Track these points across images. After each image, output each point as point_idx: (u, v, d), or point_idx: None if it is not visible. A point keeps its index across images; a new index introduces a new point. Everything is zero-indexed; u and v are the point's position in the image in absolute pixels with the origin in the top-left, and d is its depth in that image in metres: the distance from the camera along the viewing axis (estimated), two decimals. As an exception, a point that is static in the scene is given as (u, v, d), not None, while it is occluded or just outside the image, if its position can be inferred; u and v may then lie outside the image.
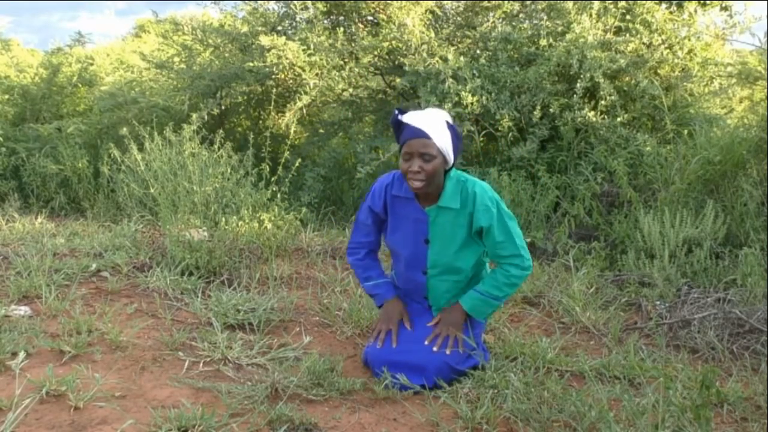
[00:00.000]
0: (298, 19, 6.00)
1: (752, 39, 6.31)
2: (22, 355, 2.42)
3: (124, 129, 4.62)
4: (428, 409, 2.17)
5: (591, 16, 5.03)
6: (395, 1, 5.29)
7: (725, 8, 5.34)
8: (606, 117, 4.84)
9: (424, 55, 5.14)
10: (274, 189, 3.98)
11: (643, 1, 5.09)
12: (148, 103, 5.88)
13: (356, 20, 5.89)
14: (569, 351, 2.71)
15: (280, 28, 6.03)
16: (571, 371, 2.46)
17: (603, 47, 4.96)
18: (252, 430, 2.03)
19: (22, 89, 6.64)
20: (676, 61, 5.16)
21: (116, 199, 5.18)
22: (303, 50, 5.25)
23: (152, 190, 3.91)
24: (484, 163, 5.04)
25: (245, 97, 6.15)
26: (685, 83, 5.23)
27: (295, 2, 5.69)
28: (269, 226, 3.89)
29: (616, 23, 5.10)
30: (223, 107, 6.17)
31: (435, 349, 2.39)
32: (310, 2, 5.53)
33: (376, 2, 5.60)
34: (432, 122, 2.30)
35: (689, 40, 5.19)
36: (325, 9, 5.59)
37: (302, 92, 5.29)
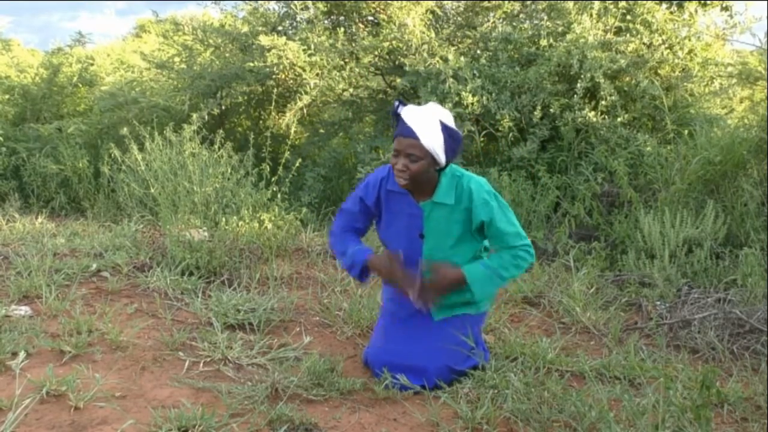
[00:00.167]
0: (298, 19, 6.00)
1: (752, 39, 6.31)
2: (22, 355, 2.42)
3: (125, 129, 4.62)
4: (428, 409, 2.17)
5: (591, 16, 5.03)
6: (396, 1, 5.29)
7: (725, 8, 5.34)
8: (606, 117, 4.84)
9: (425, 55, 5.14)
10: (274, 189, 3.98)
11: (644, 1, 5.09)
12: (149, 103, 5.88)
13: (356, 20, 5.89)
14: (569, 351, 2.70)
15: (280, 28, 6.03)
16: (571, 371, 2.46)
17: (603, 47, 4.96)
18: (252, 430, 2.03)
19: (22, 89, 6.64)
20: (676, 61, 5.16)
21: (116, 199, 5.18)
22: (303, 50, 5.25)
23: (152, 190, 3.92)
24: (484, 163, 5.03)
25: (245, 97, 6.15)
26: (685, 83, 5.23)
27: (296, 2, 5.69)
28: (269, 226, 3.89)
29: (617, 23, 5.10)
30: (223, 107, 6.17)
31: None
32: (310, 2, 5.54)
33: (377, 2, 5.60)
34: (425, 122, 2.28)
35: (689, 40, 5.19)
36: (325, 9, 5.60)
37: (302, 92, 5.30)
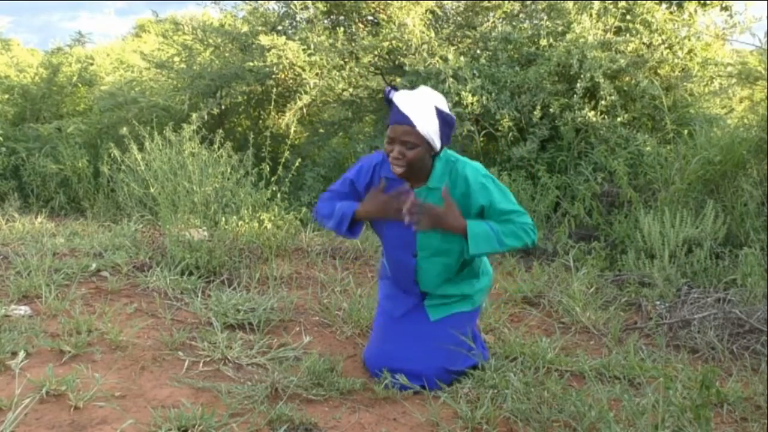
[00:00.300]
0: (298, 18, 6.00)
1: (752, 39, 6.32)
2: (22, 354, 2.42)
3: (124, 129, 4.62)
4: (428, 409, 2.17)
5: (591, 16, 5.03)
6: (395, 1, 5.30)
7: (725, 8, 5.34)
8: (606, 117, 4.84)
9: (425, 54, 5.14)
10: (274, 189, 3.98)
11: (643, 1, 5.10)
12: (148, 103, 5.88)
13: (356, 20, 5.89)
14: (569, 351, 2.70)
15: (280, 27, 6.04)
16: (571, 371, 2.46)
17: (603, 47, 4.96)
18: (252, 430, 2.03)
19: (22, 89, 6.64)
20: (676, 61, 5.17)
21: (116, 198, 5.18)
22: (303, 50, 5.25)
23: (152, 190, 3.91)
24: (484, 163, 5.02)
25: (245, 97, 6.15)
26: (685, 83, 5.23)
27: (295, 2, 5.69)
28: (269, 226, 3.89)
29: (616, 23, 5.11)
30: (223, 107, 6.17)
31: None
32: (310, 2, 5.54)
33: (377, 2, 5.60)
34: (420, 108, 2.22)
35: (689, 40, 5.19)
36: (325, 9, 5.60)
37: (302, 92, 5.30)
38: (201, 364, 2.50)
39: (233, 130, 6.31)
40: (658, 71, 5.24)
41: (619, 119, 4.78)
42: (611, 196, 4.51)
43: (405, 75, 5.15)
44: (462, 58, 4.97)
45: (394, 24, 5.19)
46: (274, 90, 5.56)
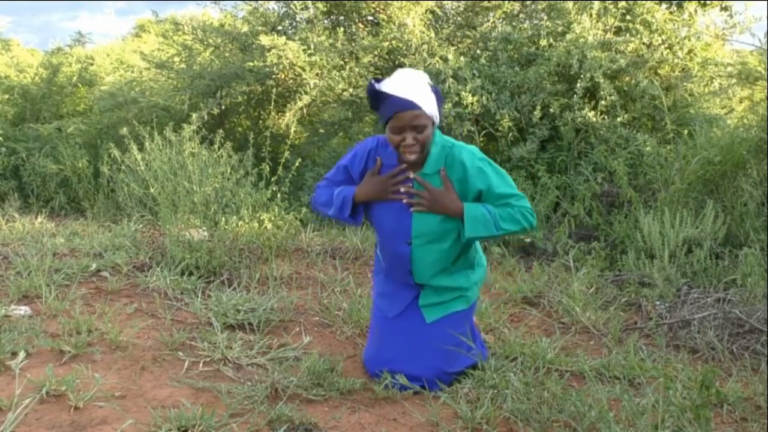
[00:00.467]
0: (298, 18, 6.00)
1: (752, 39, 6.32)
2: (22, 355, 2.42)
3: (124, 129, 4.62)
4: (428, 409, 2.17)
5: (591, 16, 5.03)
6: (395, 1, 5.30)
7: (725, 8, 5.35)
8: (606, 117, 4.84)
9: (425, 55, 5.14)
10: (274, 189, 3.98)
11: (643, 1, 5.10)
12: (148, 103, 5.89)
13: (356, 20, 5.89)
14: (569, 351, 2.70)
15: (280, 27, 6.04)
16: (571, 371, 2.46)
17: (603, 47, 4.96)
18: (252, 430, 2.03)
19: (22, 89, 6.65)
20: (676, 61, 5.17)
21: (116, 199, 5.19)
22: (303, 50, 5.25)
23: (152, 190, 3.91)
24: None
25: (245, 97, 6.15)
26: (685, 83, 5.24)
27: (295, 2, 5.69)
28: (269, 226, 3.89)
29: (616, 23, 5.11)
30: (223, 107, 6.18)
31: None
32: (310, 2, 5.54)
33: (376, 2, 5.60)
34: (417, 89, 2.20)
35: (689, 40, 5.20)
36: (325, 9, 5.60)
37: (302, 92, 5.30)
38: (201, 365, 2.50)
39: (233, 130, 6.31)
40: (658, 71, 5.24)
41: (619, 119, 4.79)
42: (611, 196, 4.51)
43: (405, 75, 5.14)
44: (462, 58, 4.98)
45: (394, 24, 5.19)
46: (274, 90, 5.57)
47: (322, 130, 6.27)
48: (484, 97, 4.84)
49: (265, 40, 5.20)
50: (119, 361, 2.49)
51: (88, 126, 6.10)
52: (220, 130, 4.22)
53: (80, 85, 6.98)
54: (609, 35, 5.10)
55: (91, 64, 7.41)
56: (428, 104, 2.21)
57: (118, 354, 2.55)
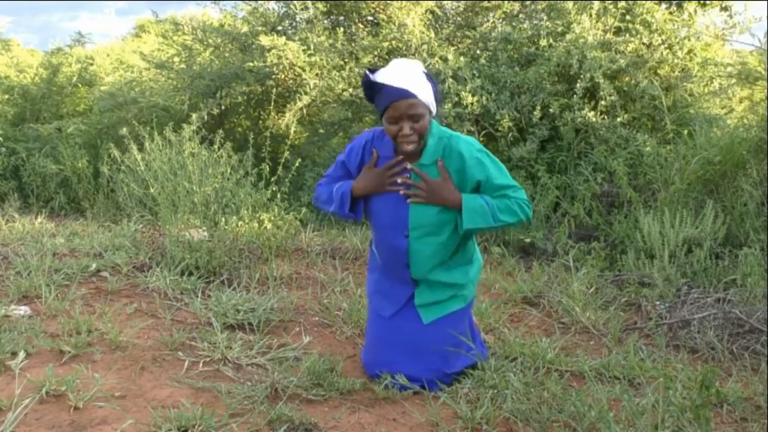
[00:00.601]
0: (298, 19, 6.01)
1: (752, 39, 6.32)
2: (22, 355, 2.42)
3: (124, 129, 4.62)
4: (428, 409, 2.17)
5: (591, 16, 5.03)
6: (395, 1, 5.30)
7: (725, 8, 5.35)
8: (606, 117, 4.84)
9: (425, 55, 5.14)
10: (274, 189, 3.98)
11: (643, 2, 5.10)
12: (148, 103, 5.89)
13: (356, 20, 5.89)
14: (569, 351, 2.70)
15: (280, 28, 6.04)
16: (571, 371, 2.46)
17: (603, 47, 4.96)
18: (252, 430, 2.03)
19: (22, 89, 6.65)
20: (675, 61, 5.17)
21: (116, 199, 5.18)
22: (303, 50, 5.26)
23: (152, 190, 3.91)
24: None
25: (245, 97, 6.15)
26: (685, 83, 5.24)
27: (295, 2, 5.69)
28: (269, 226, 3.89)
29: (616, 23, 5.11)
30: (223, 107, 6.18)
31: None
32: (310, 2, 5.54)
33: (376, 2, 5.61)
34: (412, 78, 2.18)
35: (689, 40, 5.20)
36: (325, 9, 5.60)
37: (302, 92, 5.30)
38: (201, 365, 2.50)
39: (233, 130, 6.31)
40: (658, 71, 5.24)
41: (618, 119, 4.79)
42: (611, 196, 4.51)
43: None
44: (462, 58, 4.98)
45: (394, 24, 5.20)
46: (274, 90, 5.57)
47: (321, 130, 6.27)
48: (484, 97, 4.84)
49: (265, 40, 5.21)
50: (119, 361, 2.49)
51: (88, 126, 6.10)
52: (220, 131, 4.22)
53: (80, 85, 6.98)
54: (609, 35, 5.10)
55: (91, 65, 7.41)
56: (424, 92, 2.19)
57: (118, 354, 2.55)
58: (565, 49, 4.84)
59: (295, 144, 5.61)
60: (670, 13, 5.21)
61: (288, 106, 5.46)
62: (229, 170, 3.95)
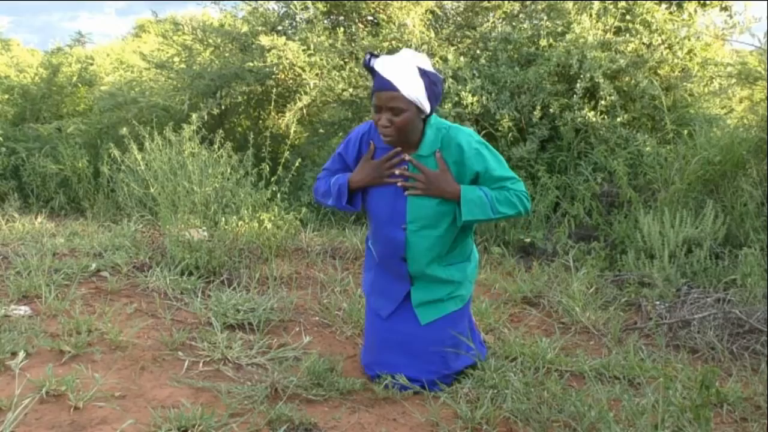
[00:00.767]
0: (298, 19, 6.00)
1: (752, 39, 6.32)
2: (22, 355, 2.42)
3: (124, 129, 4.62)
4: (428, 409, 2.17)
5: (591, 16, 5.03)
6: (395, 1, 5.30)
7: (725, 8, 5.35)
8: (606, 117, 4.84)
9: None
10: (274, 189, 3.98)
11: (643, 2, 5.10)
12: (148, 103, 5.88)
13: (356, 20, 5.89)
14: (569, 351, 2.70)
15: (280, 28, 6.03)
16: (570, 371, 2.46)
17: (603, 47, 4.96)
18: (252, 430, 2.03)
19: (22, 89, 6.65)
20: (675, 61, 5.17)
21: (116, 199, 5.18)
22: (303, 50, 5.26)
23: (152, 190, 3.91)
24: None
25: (245, 97, 6.14)
26: (684, 83, 5.24)
27: (295, 2, 5.69)
28: (269, 226, 3.89)
29: (616, 23, 5.11)
30: (223, 107, 6.16)
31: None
32: (310, 2, 5.54)
33: (376, 2, 5.60)
34: (402, 72, 2.14)
35: (689, 40, 5.19)
36: (325, 9, 5.60)
37: (302, 92, 5.30)
38: (201, 364, 2.50)
39: (233, 130, 6.31)
40: (658, 71, 5.24)
41: (618, 119, 4.79)
42: (611, 196, 4.51)
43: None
44: (462, 58, 4.98)
45: (394, 24, 5.19)
46: (274, 90, 5.56)
47: (321, 130, 6.26)
48: (484, 97, 4.84)
49: (265, 40, 5.20)
50: (119, 361, 2.49)
51: (88, 126, 6.10)
52: (220, 130, 4.22)
53: (80, 85, 6.98)
54: (609, 35, 5.10)
55: (91, 64, 7.41)
56: (410, 89, 2.15)
57: (118, 354, 2.55)
58: (565, 49, 4.85)
59: (295, 144, 5.61)
60: (670, 13, 5.21)
61: (288, 106, 5.45)
62: (229, 170, 3.95)
